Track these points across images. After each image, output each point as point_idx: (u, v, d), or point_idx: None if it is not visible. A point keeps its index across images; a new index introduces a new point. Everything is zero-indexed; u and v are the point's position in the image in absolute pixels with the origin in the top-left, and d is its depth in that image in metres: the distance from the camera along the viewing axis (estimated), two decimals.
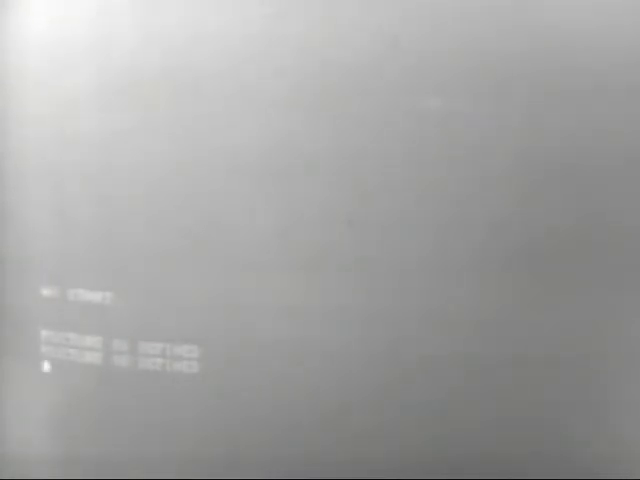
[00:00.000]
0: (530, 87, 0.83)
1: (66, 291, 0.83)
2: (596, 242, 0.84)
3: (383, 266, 0.83)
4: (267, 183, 0.83)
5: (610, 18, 0.84)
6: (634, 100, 0.84)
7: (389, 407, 0.84)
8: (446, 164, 0.83)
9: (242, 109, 0.83)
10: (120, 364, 0.83)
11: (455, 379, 0.84)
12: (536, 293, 0.84)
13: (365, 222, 0.83)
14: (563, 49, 0.83)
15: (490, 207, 0.83)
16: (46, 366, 0.83)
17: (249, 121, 0.83)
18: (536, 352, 0.84)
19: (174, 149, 0.83)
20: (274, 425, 0.84)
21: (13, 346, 0.83)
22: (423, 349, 0.83)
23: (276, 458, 0.84)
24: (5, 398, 0.83)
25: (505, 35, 0.83)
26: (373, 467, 0.84)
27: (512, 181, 0.83)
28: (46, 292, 0.83)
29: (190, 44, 0.83)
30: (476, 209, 0.83)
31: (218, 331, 0.83)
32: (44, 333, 0.83)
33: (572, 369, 0.84)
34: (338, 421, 0.84)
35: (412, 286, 0.83)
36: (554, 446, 0.84)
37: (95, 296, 0.83)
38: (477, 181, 0.83)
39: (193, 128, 0.83)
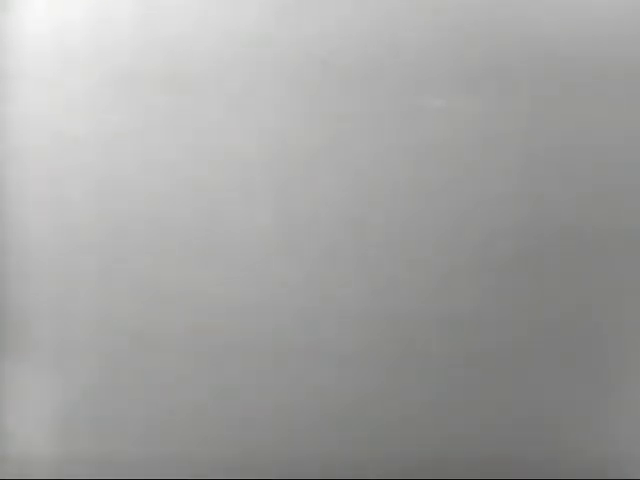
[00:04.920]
0: (532, 84, 0.83)
1: (67, 291, 0.83)
2: (597, 239, 0.84)
3: (383, 265, 0.83)
4: (266, 182, 0.83)
5: (609, 15, 0.84)
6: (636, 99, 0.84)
7: (391, 407, 0.84)
8: (447, 162, 0.83)
9: (241, 109, 0.83)
10: (121, 363, 0.83)
11: (455, 379, 0.84)
12: (535, 293, 0.84)
13: (365, 221, 0.83)
14: (563, 46, 0.83)
15: (491, 206, 0.83)
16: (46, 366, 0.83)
17: (248, 121, 0.83)
18: (535, 352, 0.84)
19: (174, 149, 0.83)
20: (276, 425, 0.84)
21: (13, 346, 0.83)
22: (424, 349, 0.83)
23: (276, 458, 0.84)
24: (5, 398, 0.83)
25: (505, 32, 0.83)
26: (373, 467, 0.84)
27: (514, 180, 0.83)
28: (47, 293, 0.83)
29: (189, 45, 0.83)
30: (477, 208, 0.83)
31: (218, 330, 0.83)
32: (44, 333, 0.83)
33: (571, 369, 0.84)
34: (340, 421, 0.84)
35: (412, 283, 0.83)
36: (554, 446, 0.84)
37: (94, 296, 0.83)
38: (478, 180, 0.83)
39: (193, 128, 0.83)
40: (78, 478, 0.83)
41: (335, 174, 0.83)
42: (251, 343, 0.83)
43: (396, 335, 0.83)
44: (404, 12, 0.83)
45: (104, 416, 0.83)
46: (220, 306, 0.83)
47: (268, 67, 0.82)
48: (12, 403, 0.84)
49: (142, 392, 0.83)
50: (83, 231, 0.83)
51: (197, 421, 0.84)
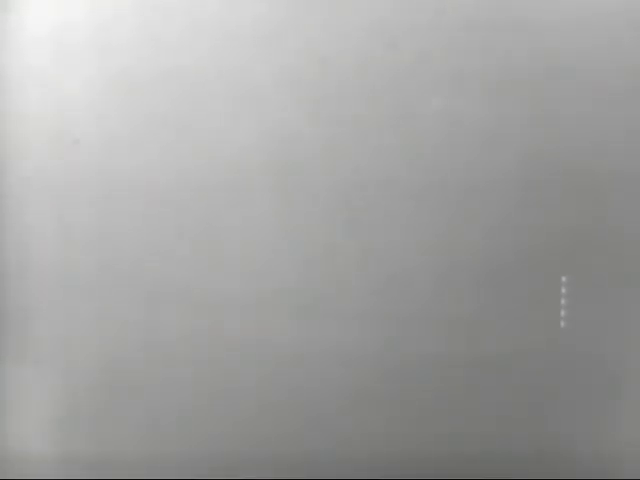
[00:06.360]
0: (532, 84, 0.83)
1: (67, 291, 0.83)
2: (596, 241, 0.84)
3: (383, 265, 0.83)
4: (267, 182, 0.83)
5: (610, 16, 0.84)
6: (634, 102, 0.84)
7: (388, 406, 0.84)
8: (446, 162, 0.83)
9: (241, 110, 0.83)
10: (121, 363, 0.83)
11: (454, 378, 0.84)
12: (535, 293, 0.84)
13: (365, 221, 0.83)
14: (563, 50, 0.83)
15: (490, 207, 0.83)
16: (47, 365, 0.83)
17: (248, 121, 0.83)
18: (535, 352, 0.84)
19: (174, 149, 0.83)
20: (275, 425, 0.84)
21: (13, 346, 0.83)
22: (423, 349, 0.84)
23: (276, 458, 0.84)
24: (5, 398, 0.83)
25: (505, 36, 0.83)
26: (373, 467, 0.84)
27: (513, 181, 0.83)
28: (47, 293, 0.83)
29: (190, 45, 0.83)
30: (476, 208, 0.83)
31: (218, 330, 0.83)
32: (44, 333, 0.83)
33: (571, 369, 0.84)
34: (340, 421, 0.84)
35: (412, 283, 0.83)
36: (554, 445, 0.84)
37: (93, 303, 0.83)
38: (478, 180, 0.83)
39: (193, 128, 0.83)
40: (78, 478, 0.83)
41: (335, 174, 0.83)
42: (251, 343, 0.83)
43: (396, 335, 0.83)
44: (404, 12, 0.83)
45: (104, 416, 0.83)
46: (220, 306, 0.83)
47: (268, 67, 0.82)
48: (12, 403, 0.84)
49: (142, 392, 0.83)
50: (83, 231, 0.83)
51: (197, 421, 0.84)
